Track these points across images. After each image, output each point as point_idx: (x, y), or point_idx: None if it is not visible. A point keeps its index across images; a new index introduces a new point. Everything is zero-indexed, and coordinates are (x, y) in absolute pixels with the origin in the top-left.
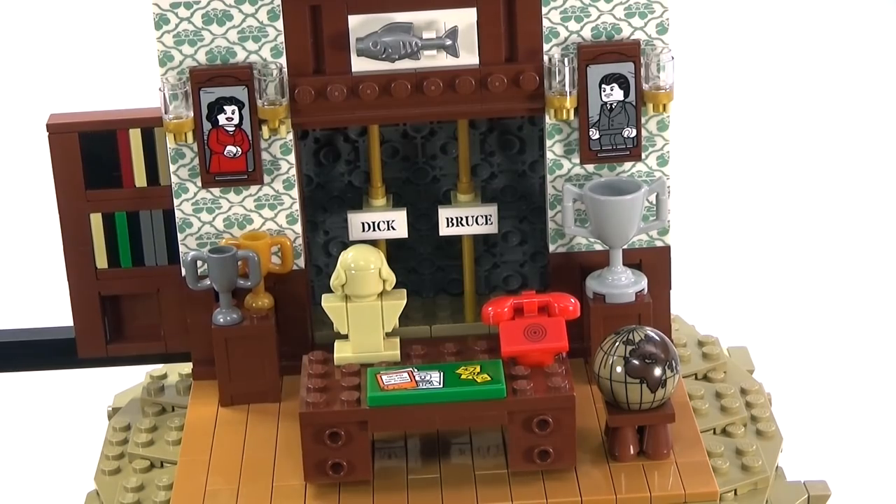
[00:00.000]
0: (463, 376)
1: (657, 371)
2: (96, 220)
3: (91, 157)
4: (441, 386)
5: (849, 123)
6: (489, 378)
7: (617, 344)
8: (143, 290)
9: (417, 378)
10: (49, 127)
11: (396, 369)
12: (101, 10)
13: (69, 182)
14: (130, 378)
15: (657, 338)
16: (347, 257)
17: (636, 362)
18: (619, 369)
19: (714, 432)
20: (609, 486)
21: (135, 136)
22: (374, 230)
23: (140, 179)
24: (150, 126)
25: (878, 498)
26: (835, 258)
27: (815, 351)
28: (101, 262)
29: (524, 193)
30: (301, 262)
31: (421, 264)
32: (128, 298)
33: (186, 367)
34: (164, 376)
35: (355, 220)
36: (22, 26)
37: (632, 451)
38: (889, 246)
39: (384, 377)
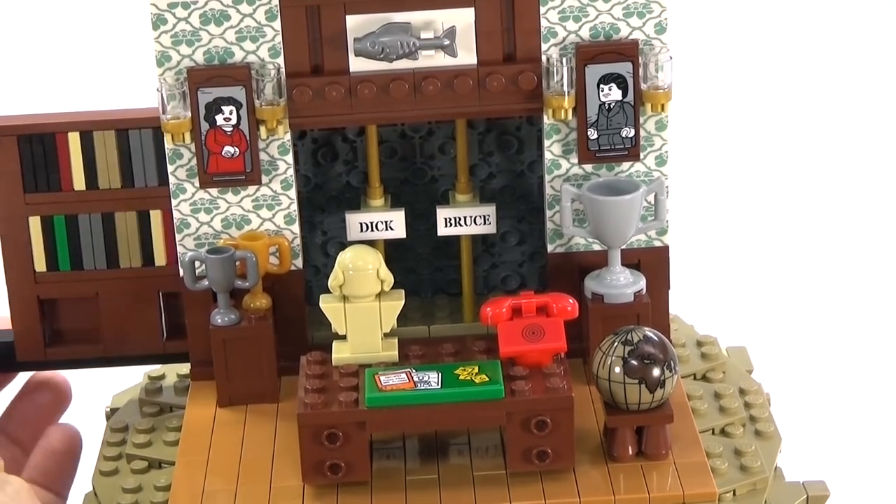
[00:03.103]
0: (461, 377)
1: (656, 371)
2: (35, 223)
3: (30, 160)
4: (439, 386)
5: (847, 123)
6: (487, 379)
7: (615, 344)
8: (82, 294)
9: (416, 379)
10: None
11: (395, 370)
12: (99, 11)
13: (7, 185)
14: (128, 379)
15: (656, 338)
16: (345, 258)
17: (635, 363)
18: (617, 370)
19: (713, 432)
20: (608, 486)
21: (74, 139)
22: (372, 230)
23: (79, 183)
24: (89, 129)
25: (876, 498)
26: (833, 258)
27: (814, 351)
28: (40, 265)
29: (522, 193)
30: (299, 263)
31: (419, 264)
32: (66, 302)
33: (184, 368)
34: (162, 377)
35: (353, 220)
36: (18, 27)
37: (630, 452)
38: (887, 246)
39: (382, 378)
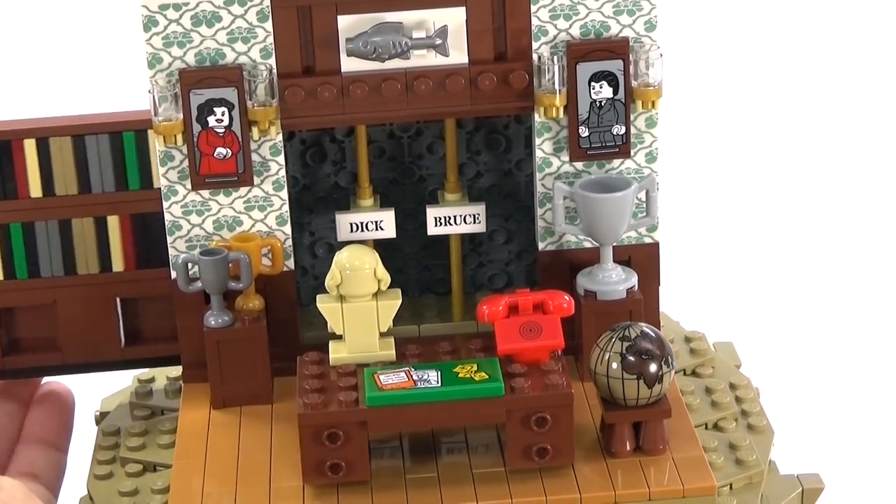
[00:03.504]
0: (461, 375)
1: (653, 367)
2: None
3: None
4: (439, 385)
5: (835, 121)
6: (487, 376)
7: (613, 340)
8: (40, 302)
9: (415, 377)
10: None
11: (393, 369)
12: (90, 13)
13: None
14: (117, 383)
15: (653, 334)
16: (342, 257)
17: (632, 358)
18: (615, 365)
19: (706, 427)
20: (607, 482)
21: (30, 146)
22: (362, 230)
23: (35, 190)
24: (45, 136)
25: (868, 489)
26: (817, 253)
27: (800, 346)
28: None
29: (510, 192)
30: (291, 264)
31: (407, 264)
32: (24, 310)
33: (174, 371)
34: (152, 380)
35: (343, 220)
36: (11, 28)
37: (628, 447)
38: (872, 240)
39: (382, 377)
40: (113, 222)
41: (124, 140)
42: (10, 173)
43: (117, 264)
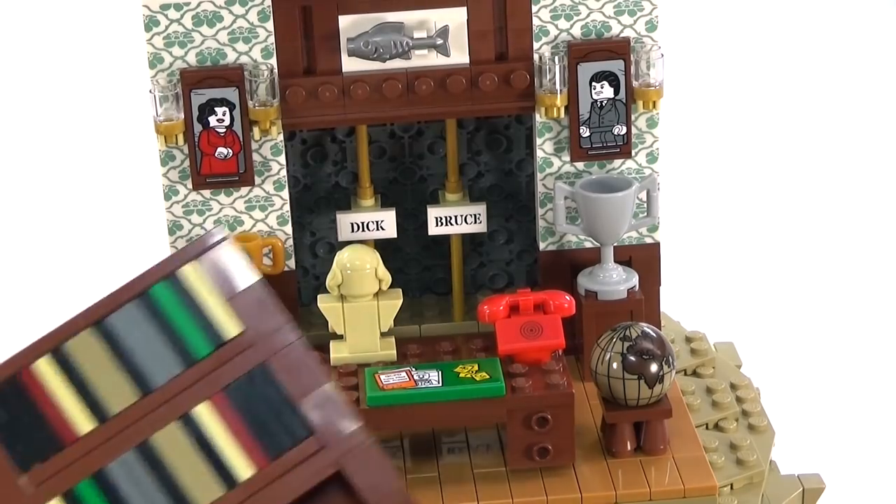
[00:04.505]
0: (461, 375)
1: (654, 367)
2: None
3: None
4: (440, 385)
5: (838, 120)
6: (488, 376)
7: (614, 340)
8: None
9: (416, 377)
10: None
11: (394, 369)
12: (91, 12)
13: None
14: None
15: (653, 334)
16: (343, 257)
17: (633, 358)
18: (616, 366)
19: (707, 427)
20: (608, 482)
21: (44, 368)
22: (363, 230)
23: (82, 423)
24: (56, 345)
25: (868, 489)
26: (818, 254)
27: (800, 345)
28: None
29: (511, 192)
30: (292, 264)
31: (408, 264)
32: None
33: None
34: None
35: (344, 220)
36: (8, 27)
37: (629, 447)
38: (873, 241)
39: (382, 377)
40: (204, 414)
41: (157, 297)
42: (39, 421)
43: (242, 468)
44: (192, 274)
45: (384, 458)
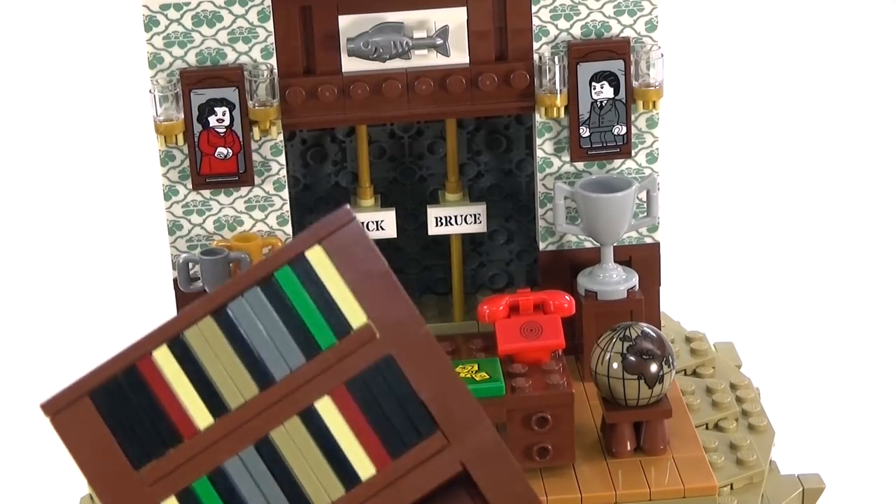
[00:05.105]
0: (462, 374)
1: (654, 367)
2: None
3: None
4: None
5: (838, 120)
6: (487, 376)
7: (614, 340)
8: None
9: None
10: None
11: None
12: (91, 12)
13: None
14: None
15: (653, 334)
16: None
17: (633, 358)
18: (616, 365)
19: (707, 427)
20: (608, 482)
21: (162, 357)
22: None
23: (201, 417)
24: (175, 335)
25: (868, 489)
26: (818, 254)
27: (800, 345)
28: None
29: (510, 192)
30: None
31: (408, 264)
32: None
33: None
34: None
35: None
36: (8, 28)
37: (629, 447)
38: (873, 242)
39: None
40: (326, 409)
41: (281, 283)
42: (158, 414)
43: (363, 467)
44: (318, 257)
45: (512, 457)
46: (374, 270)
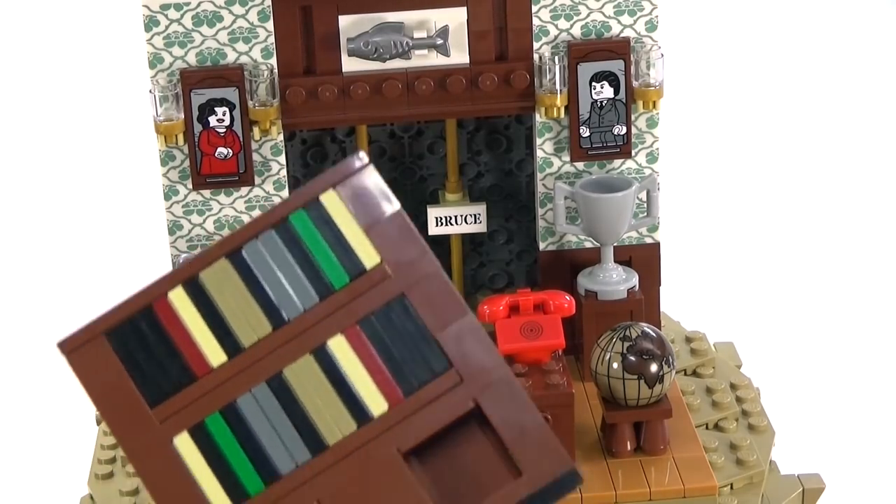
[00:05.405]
0: None
1: (654, 367)
2: None
3: None
4: None
5: (838, 120)
6: None
7: (614, 340)
8: None
9: None
10: None
11: None
12: (91, 12)
13: None
14: None
15: (653, 334)
16: None
17: (633, 358)
18: (616, 365)
19: (707, 427)
20: (608, 481)
21: (178, 298)
22: None
23: (215, 355)
24: (192, 276)
25: (868, 489)
26: (818, 254)
27: (800, 345)
28: None
29: (510, 192)
30: None
31: None
32: None
33: None
34: None
35: None
36: (8, 28)
37: (629, 447)
38: (873, 242)
39: None
40: (338, 347)
41: (295, 226)
42: (172, 351)
43: (375, 405)
44: (332, 201)
45: (525, 394)
46: (388, 213)
